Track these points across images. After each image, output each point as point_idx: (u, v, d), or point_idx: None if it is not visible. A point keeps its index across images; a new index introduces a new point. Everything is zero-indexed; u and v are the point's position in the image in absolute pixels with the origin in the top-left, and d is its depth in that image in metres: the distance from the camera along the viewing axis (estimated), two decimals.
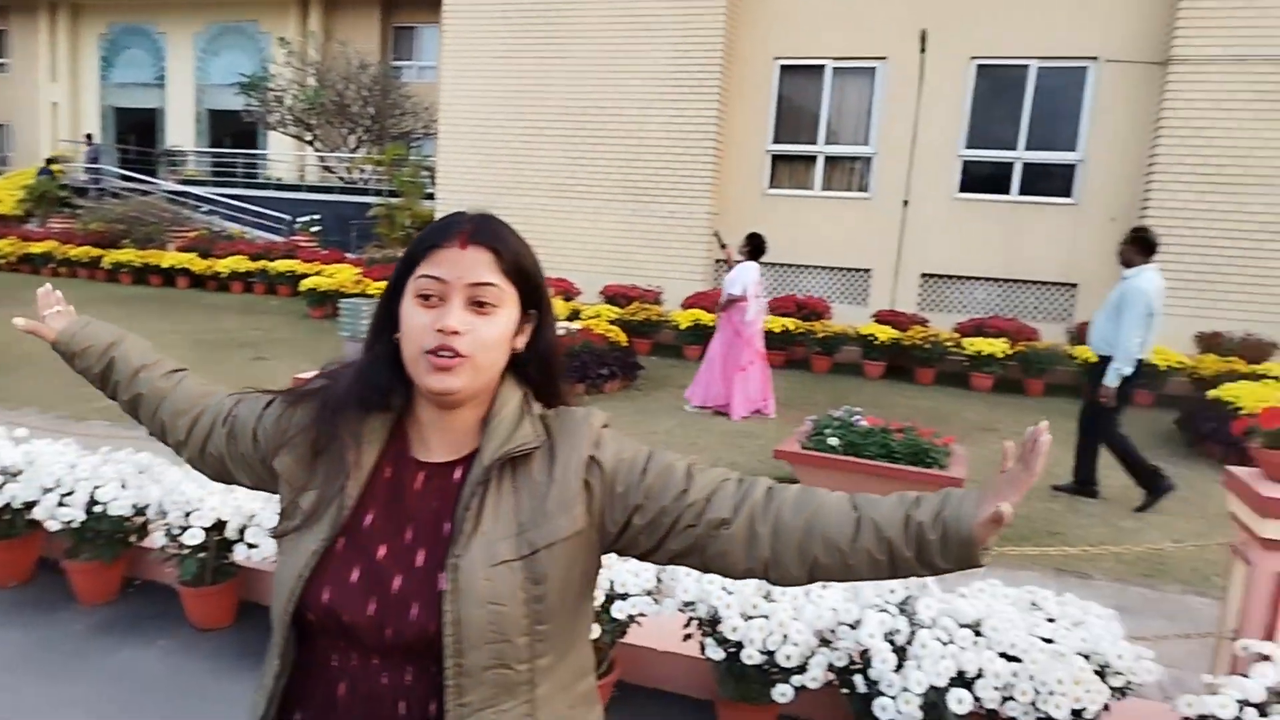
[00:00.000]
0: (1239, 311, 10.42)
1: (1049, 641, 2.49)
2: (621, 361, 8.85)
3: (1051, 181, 11.85)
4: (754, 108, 12.73)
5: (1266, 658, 2.44)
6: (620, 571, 2.77)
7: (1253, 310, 10.40)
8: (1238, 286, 10.58)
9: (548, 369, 1.18)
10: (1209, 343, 9.90)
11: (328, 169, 22.33)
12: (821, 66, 12.41)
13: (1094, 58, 11.34)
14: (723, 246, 8.42)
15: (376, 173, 19.17)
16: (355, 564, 1.07)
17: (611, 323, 10.36)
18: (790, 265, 12.87)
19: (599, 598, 2.71)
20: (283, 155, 23.55)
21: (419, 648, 1.05)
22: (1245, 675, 2.40)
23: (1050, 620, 2.61)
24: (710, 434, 7.11)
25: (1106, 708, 2.51)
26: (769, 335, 10.66)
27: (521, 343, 1.14)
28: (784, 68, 12.63)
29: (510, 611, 1.03)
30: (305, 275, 13.47)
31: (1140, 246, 5.83)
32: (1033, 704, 2.39)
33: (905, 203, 12.10)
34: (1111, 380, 5.68)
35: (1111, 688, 2.43)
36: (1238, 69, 10.35)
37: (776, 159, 12.89)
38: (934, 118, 11.95)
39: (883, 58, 12.10)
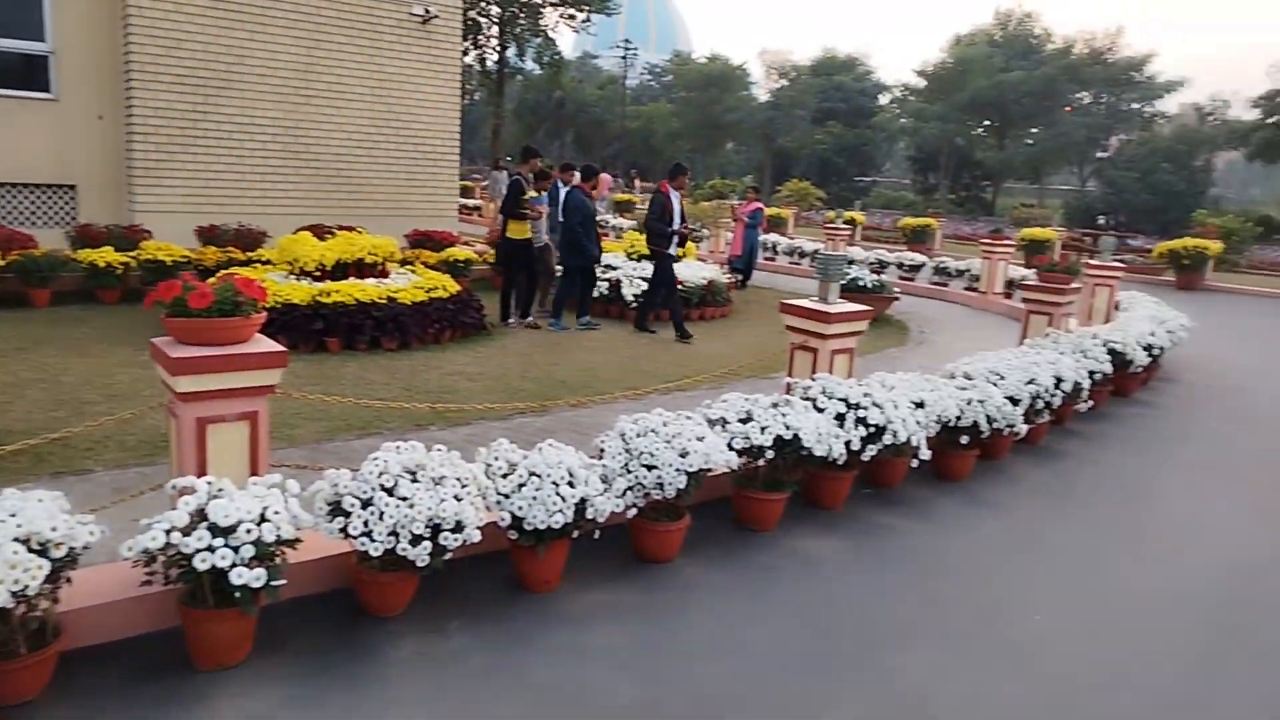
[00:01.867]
0: (232, 205, 11.50)
1: None
2: None
3: (25, 74, 10.80)
4: None
5: (194, 490, 2.92)
6: None
7: (244, 203, 11.61)
8: (229, 182, 11.61)
9: None
10: (208, 235, 10.72)
11: None
12: None
13: None
14: None
15: None
16: None
17: None
18: None
19: None
20: None
21: None
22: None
23: None
24: None
25: (67, 580, 2.68)
26: None
27: None
28: None
29: None
30: None
31: None
32: None
33: None
34: None
35: (56, 559, 2.58)
36: None
37: None
38: None
39: None
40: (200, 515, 2.80)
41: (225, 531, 2.75)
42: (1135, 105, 49.70)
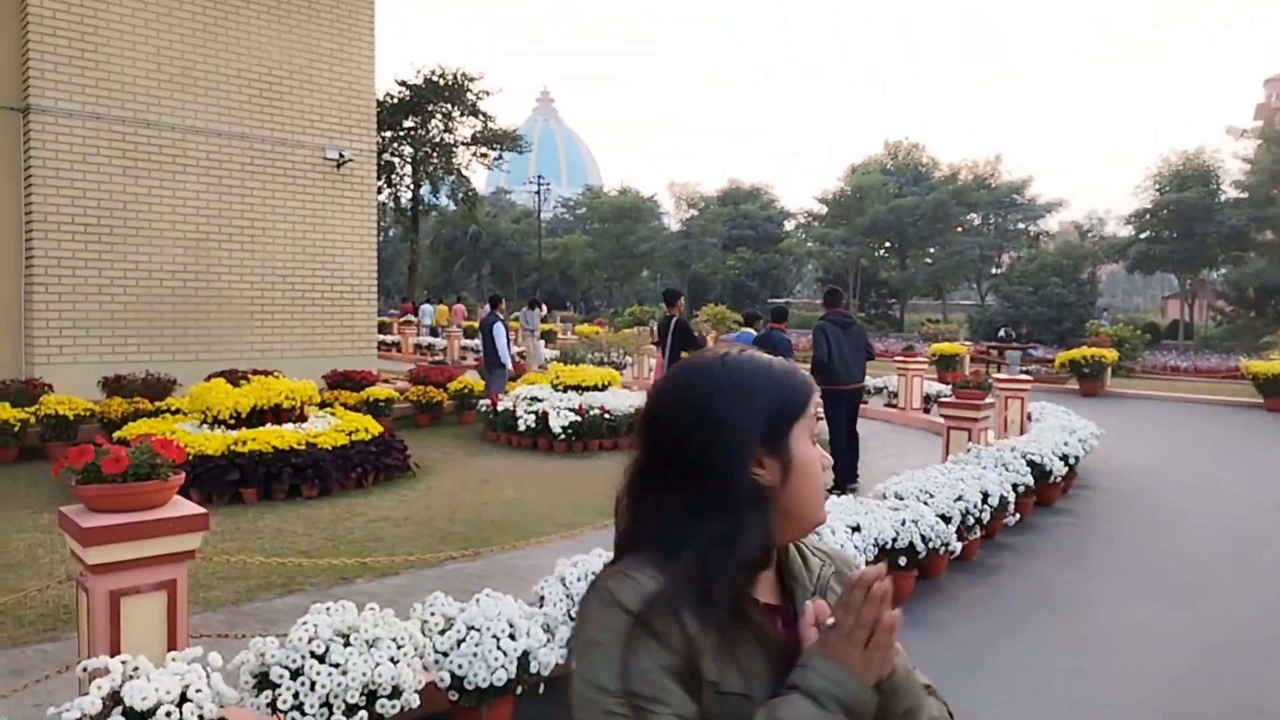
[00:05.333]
0: (139, 353, 11.15)
1: None
2: None
3: None
4: None
5: (107, 671, 2.68)
6: None
7: (151, 351, 11.27)
8: (135, 330, 11.29)
9: None
10: (114, 386, 10.31)
11: None
12: None
13: None
14: None
15: None
16: None
17: None
18: None
19: None
20: None
21: None
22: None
23: None
24: None
25: None
26: None
27: None
28: None
29: None
30: None
31: None
32: None
33: None
34: None
35: None
36: (97, 125, 10.95)
37: None
38: None
39: None
40: (115, 699, 2.57)
41: (143, 716, 2.52)
42: (1021, 225, 53.43)
